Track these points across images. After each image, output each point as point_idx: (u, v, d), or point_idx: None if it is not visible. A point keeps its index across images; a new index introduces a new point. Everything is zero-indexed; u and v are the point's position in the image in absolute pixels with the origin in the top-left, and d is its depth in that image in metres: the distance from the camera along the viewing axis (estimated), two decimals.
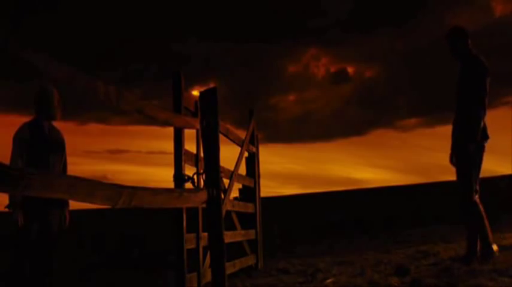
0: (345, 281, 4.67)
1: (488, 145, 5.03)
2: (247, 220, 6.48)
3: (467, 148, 4.90)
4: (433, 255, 5.67)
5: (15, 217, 4.22)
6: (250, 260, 6.28)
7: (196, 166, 4.50)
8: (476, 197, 5.00)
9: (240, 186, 6.53)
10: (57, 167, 4.51)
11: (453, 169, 5.05)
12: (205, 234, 4.13)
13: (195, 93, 4.58)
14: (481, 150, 5.00)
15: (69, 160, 4.70)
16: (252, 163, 6.84)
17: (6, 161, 4.24)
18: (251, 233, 6.47)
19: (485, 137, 5.00)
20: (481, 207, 5.01)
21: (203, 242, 4.46)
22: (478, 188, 5.00)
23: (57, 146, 4.58)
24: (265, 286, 4.99)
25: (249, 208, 6.48)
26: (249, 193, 6.71)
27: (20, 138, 4.37)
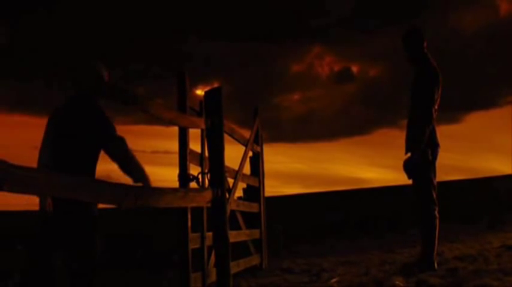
0: (349, 280, 4.65)
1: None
2: (251, 220, 6.47)
3: (413, 158, 4.70)
4: (438, 255, 5.65)
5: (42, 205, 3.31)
6: (254, 260, 6.27)
7: (201, 165, 4.49)
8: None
9: (245, 185, 6.53)
10: (80, 159, 3.34)
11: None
12: (210, 234, 4.13)
13: (199, 92, 4.58)
14: (430, 156, 4.77)
15: None
16: (257, 162, 6.84)
17: (10, 160, 4.13)
18: (255, 233, 6.46)
19: (434, 145, 4.80)
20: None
21: (208, 242, 4.45)
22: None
23: (80, 131, 3.35)
24: (270, 286, 4.98)
25: (253, 207, 6.47)
26: (253, 192, 6.70)
27: (47, 128, 3.48)
